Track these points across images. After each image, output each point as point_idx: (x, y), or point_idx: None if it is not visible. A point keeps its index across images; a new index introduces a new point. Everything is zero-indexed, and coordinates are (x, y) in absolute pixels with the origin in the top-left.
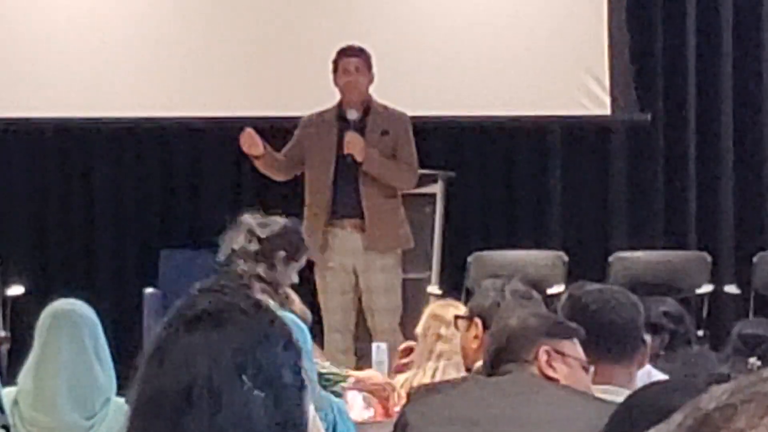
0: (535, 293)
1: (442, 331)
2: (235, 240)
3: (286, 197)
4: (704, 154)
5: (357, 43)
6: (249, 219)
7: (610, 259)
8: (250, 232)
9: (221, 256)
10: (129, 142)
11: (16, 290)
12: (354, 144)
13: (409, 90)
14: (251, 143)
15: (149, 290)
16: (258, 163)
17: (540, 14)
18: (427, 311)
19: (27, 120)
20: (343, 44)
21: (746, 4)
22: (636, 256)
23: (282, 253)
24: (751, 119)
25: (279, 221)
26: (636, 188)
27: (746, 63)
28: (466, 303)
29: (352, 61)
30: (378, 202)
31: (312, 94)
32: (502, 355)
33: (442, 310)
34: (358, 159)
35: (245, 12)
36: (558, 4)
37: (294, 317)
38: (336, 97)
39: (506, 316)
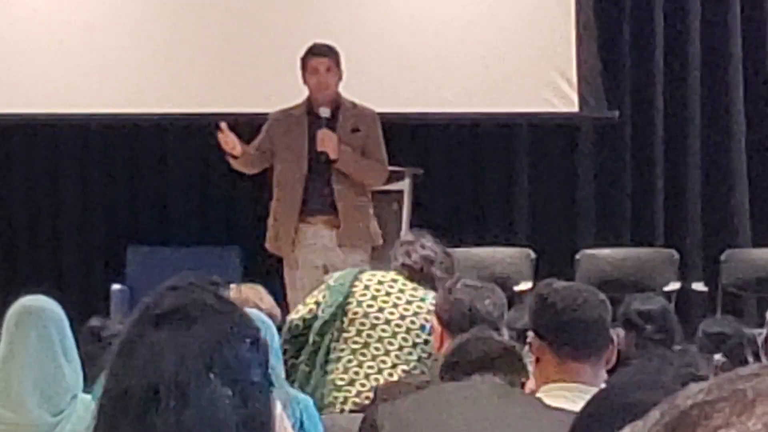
0: (488, 284)
1: None
2: None
3: (252, 193)
4: (671, 151)
5: (325, 41)
6: None
7: (578, 256)
8: None
9: None
10: (96, 138)
11: None
12: (327, 141)
13: (377, 86)
14: (231, 144)
15: (116, 286)
16: (233, 161)
17: (508, 12)
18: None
19: None
20: (311, 41)
21: (713, 2)
22: (604, 253)
23: None
24: (719, 117)
25: None
26: (603, 185)
27: (714, 60)
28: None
29: (321, 61)
30: (350, 199)
31: (279, 91)
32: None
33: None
34: (332, 156)
35: (213, 8)
36: (525, 2)
37: (261, 314)
38: (304, 93)
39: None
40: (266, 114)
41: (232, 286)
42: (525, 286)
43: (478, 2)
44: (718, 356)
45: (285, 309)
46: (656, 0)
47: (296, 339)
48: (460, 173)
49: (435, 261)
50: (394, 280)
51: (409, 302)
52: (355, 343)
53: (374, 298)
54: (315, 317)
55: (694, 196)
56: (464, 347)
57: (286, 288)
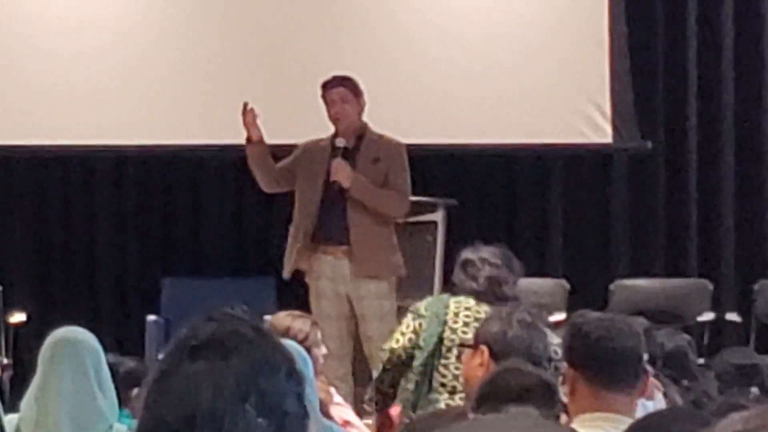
0: (540, 323)
1: None
2: None
3: (288, 225)
4: (705, 181)
5: (361, 73)
6: None
7: (612, 286)
8: None
9: None
10: (131, 169)
11: (18, 317)
12: (339, 170)
13: (410, 118)
14: (252, 123)
15: (151, 318)
16: (250, 153)
17: (541, 43)
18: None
19: (29, 147)
20: (343, 72)
21: (747, 31)
22: (637, 283)
23: None
24: (752, 147)
25: None
26: (637, 216)
27: (747, 91)
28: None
29: (336, 92)
30: (366, 229)
31: (310, 123)
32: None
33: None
34: (344, 185)
35: (247, 43)
36: (560, 33)
37: (296, 345)
38: (327, 124)
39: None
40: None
41: (282, 314)
42: (559, 316)
43: (512, 34)
44: (754, 389)
45: None
46: (689, 30)
47: (396, 367)
48: (494, 204)
49: (501, 280)
50: (478, 305)
51: None
52: (458, 368)
53: (466, 324)
54: (415, 346)
55: (728, 226)
56: (500, 378)
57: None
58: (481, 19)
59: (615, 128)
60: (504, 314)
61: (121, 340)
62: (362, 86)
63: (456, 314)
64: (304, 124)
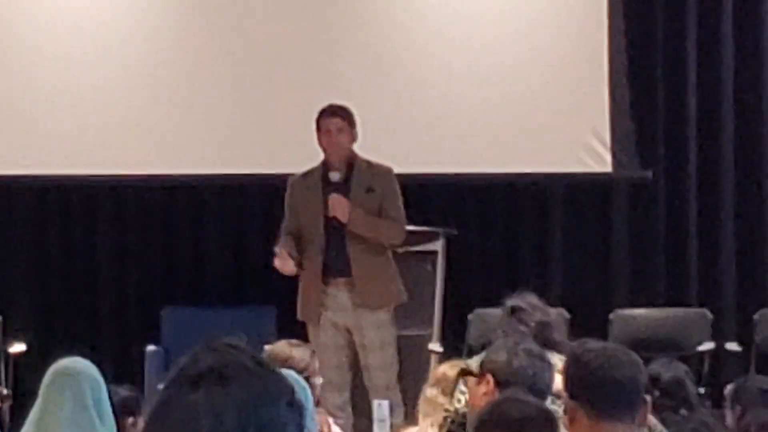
0: (546, 353)
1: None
2: None
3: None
4: (705, 211)
5: (357, 101)
6: None
7: (611, 316)
8: None
9: None
10: (131, 199)
11: (18, 347)
12: (337, 206)
13: (411, 147)
14: (287, 268)
15: (151, 348)
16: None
17: (542, 71)
18: (438, 372)
19: (29, 177)
20: (340, 100)
21: (747, 61)
22: (637, 313)
23: None
24: (752, 177)
25: None
26: (637, 245)
27: (747, 121)
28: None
29: (332, 122)
30: (366, 260)
31: (313, 152)
32: None
33: (451, 371)
34: (343, 220)
35: (246, 70)
36: (559, 62)
37: (296, 375)
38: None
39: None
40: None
41: (281, 343)
42: None
43: (512, 62)
44: None
45: None
46: (689, 59)
47: (461, 427)
48: (494, 233)
49: (552, 325)
50: None
51: None
52: None
53: None
54: None
55: (728, 255)
56: (499, 407)
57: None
58: (482, 49)
59: (615, 157)
60: (511, 344)
61: (121, 369)
62: (357, 117)
63: None
64: (302, 152)
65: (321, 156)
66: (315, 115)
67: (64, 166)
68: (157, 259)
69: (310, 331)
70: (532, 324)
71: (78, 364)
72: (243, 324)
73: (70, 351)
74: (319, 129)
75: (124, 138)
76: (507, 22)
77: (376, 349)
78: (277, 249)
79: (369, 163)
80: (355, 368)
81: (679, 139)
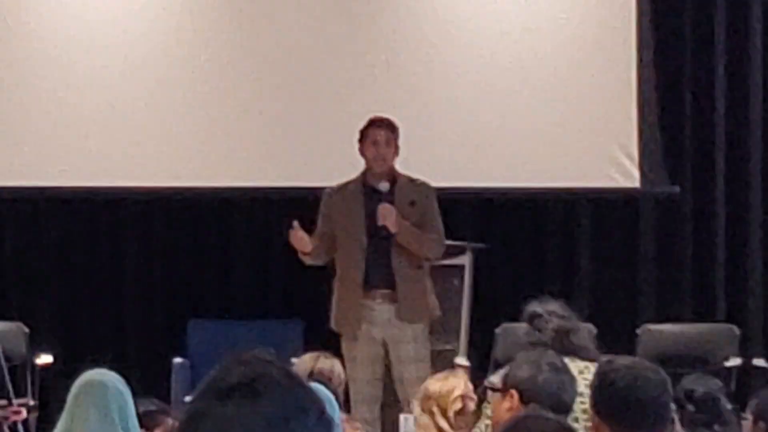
0: (569, 367)
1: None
2: None
3: (313, 268)
4: (733, 226)
5: (388, 114)
6: None
7: (639, 331)
8: None
9: None
10: (158, 211)
11: (45, 359)
12: (387, 215)
13: (438, 161)
14: (302, 242)
15: (177, 360)
16: (304, 257)
17: (569, 87)
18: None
19: (57, 189)
20: (370, 114)
21: None
22: (664, 328)
23: None
24: None
25: None
26: (664, 260)
27: None
28: (495, 374)
29: (381, 133)
30: (408, 272)
31: (340, 164)
32: None
33: (432, 387)
34: (392, 230)
35: (275, 83)
36: (588, 78)
37: (324, 389)
38: (357, 167)
39: None
40: (325, 187)
41: (309, 356)
42: None
43: (540, 78)
44: None
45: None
46: (717, 74)
47: None
48: (521, 248)
49: (569, 330)
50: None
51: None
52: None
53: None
54: None
55: (756, 271)
56: (520, 424)
57: (345, 362)
58: (510, 65)
59: (643, 173)
60: (534, 358)
61: (148, 382)
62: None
63: None
64: (329, 166)
65: (350, 169)
66: (345, 129)
67: (91, 179)
68: (183, 272)
69: (345, 343)
70: (549, 331)
71: (104, 376)
72: (270, 337)
73: (96, 363)
74: (364, 139)
75: (151, 150)
76: (535, 39)
77: (411, 362)
78: (295, 223)
79: (410, 178)
80: (385, 381)
81: (707, 154)
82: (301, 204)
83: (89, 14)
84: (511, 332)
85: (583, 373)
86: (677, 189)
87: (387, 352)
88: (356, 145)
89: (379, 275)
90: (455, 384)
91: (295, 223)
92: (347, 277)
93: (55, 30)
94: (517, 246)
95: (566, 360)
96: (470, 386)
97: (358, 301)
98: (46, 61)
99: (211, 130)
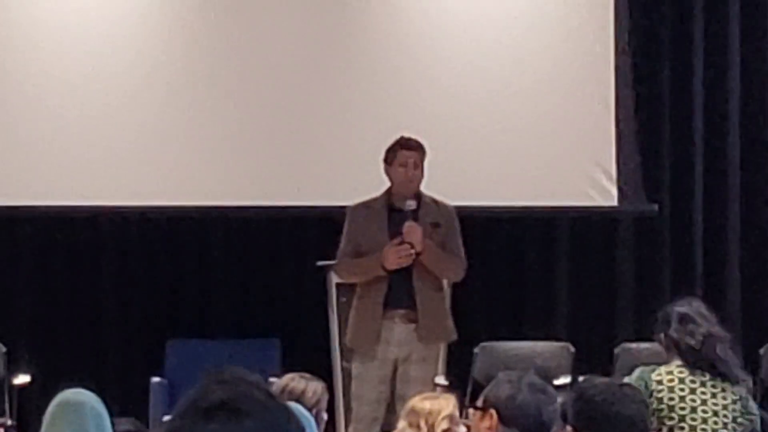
0: (550, 387)
1: (421, 424)
2: None
3: (292, 285)
4: (711, 245)
5: (347, 134)
6: None
7: (617, 350)
8: None
9: None
10: (137, 230)
11: (22, 378)
12: (414, 233)
13: None
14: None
15: (156, 379)
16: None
17: (548, 106)
18: (408, 406)
19: (34, 208)
20: (349, 133)
21: (754, 94)
22: (642, 347)
23: None
24: (759, 212)
25: None
26: (643, 279)
27: (754, 155)
28: (473, 393)
29: (413, 155)
30: (429, 293)
31: (308, 184)
32: None
33: (420, 404)
34: (418, 249)
35: (253, 102)
36: (566, 96)
37: (302, 409)
38: (338, 186)
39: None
40: (303, 207)
41: (295, 376)
42: (564, 380)
43: (518, 96)
44: None
45: (348, 402)
46: (696, 93)
47: None
48: (500, 267)
49: (719, 338)
50: (681, 374)
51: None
52: None
53: (671, 390)
54: None
55: (734, 290)
56: None
57: (352, 381)
58: (487, 83)
59: (621, 191)
60: (514, 377)
61: (126, 401)
62: None
63: (661, 400)
64: (308, 185)
65: (331, 189)
66: (327, 145)
67: (69, 198)
68: (162, 291)
69: (357, 361)
70: (698, 335)
71: (81, 395)
72: (248, 356)
73: (74, 382)
74: (394, 160)
75: (128, 169)
76: (512, 56)
77: (418, 382)
78: (386, 248)
79: (434, 199)
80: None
81: (686, 173)
82: (280, 223)
83: (62, 30)
84: (489, 351)
85: (715, 397)
86: (655, 207)
87: (395, 372)
88: (334, 164)
89: (400, 295)
90: (444, 404)
91: (386, 248)
92: (368, 296)
93: (26, 48)
94: (495, 265)
95: (699, 380)
96: (456, 412)
97: (378, 321)
98: (19, 80)
99: (189, 149)
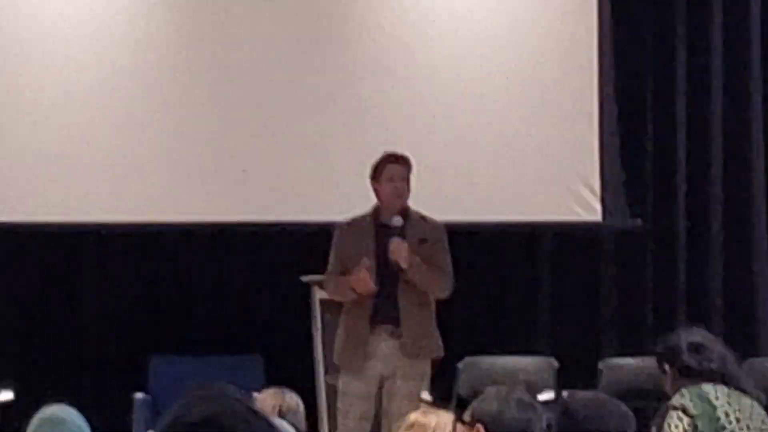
0: (538, 404)
1: None
2: None
3: (274, 302)
4: (694, 260)
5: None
6: None
7: (600, 365)
8: None
9: None
10: (119, 246)
11: (5, 396)
12: (399, 250)
13: None
14: (368, 286)
15: (139, 395)
16: (350, 294)
17: (531, 120)
18: (410, 419)
19: (12, 224)
20: (321, 148)
21: (736, 110)
22: (626, 362)
23: None
24: (741, 227)
25: None
26: (626, 294)
27: (736, 169)
28: (457, 408)
29: (399, 169)
30: (414, 309)
31: (290, 201)
32: None
33: (424, 419)
34: (403, 265)
35: (233, 117)
36: (549, 111)
37: (286, 424)
38: (316, 202)
39: None
40: (287, 222)
41: (271, 391)
42: (547, 395)
43: (501, 111)
44: None
45: (332, 418)
46: (678, 108)
47: None
48: (483, 282)
49: (731, 358)
50: (732, 394)
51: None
52: None
53: (738, 420)
54: None
55: (717, 305)
56: None
57: (338, 396)
58: (470, 97)
59: (604, 206)
60: (502, 393)
61: (108, 417)
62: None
63: (727, 414)
64: (290, 200)
65: (312, 203)
66: (302, 161)
67: (50, 214)
68: (145, 308)
69: (344, 378)
70: (717, 359)
71: (63, 412)
72: (231, 372)
73: (56, 399)
74: (380, 175)
75: (109, 185)
76: (496, 71)
77: (404, 398)
78: (357, 269)
79: (422, 216)
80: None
81: (669, 188)
82: (262, 239)
83: (30, 47)
84: (473, 366)
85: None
86: (639, 222)
87: (381, 388)
88: (318, 180)
89: (385, 310)
90: (447, 419)
91: (364, 260)
92: (354, 312)
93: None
94: (478, 280)
95: (732, 393)
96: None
97: (364, 337)
98: None
99: (172, 165)
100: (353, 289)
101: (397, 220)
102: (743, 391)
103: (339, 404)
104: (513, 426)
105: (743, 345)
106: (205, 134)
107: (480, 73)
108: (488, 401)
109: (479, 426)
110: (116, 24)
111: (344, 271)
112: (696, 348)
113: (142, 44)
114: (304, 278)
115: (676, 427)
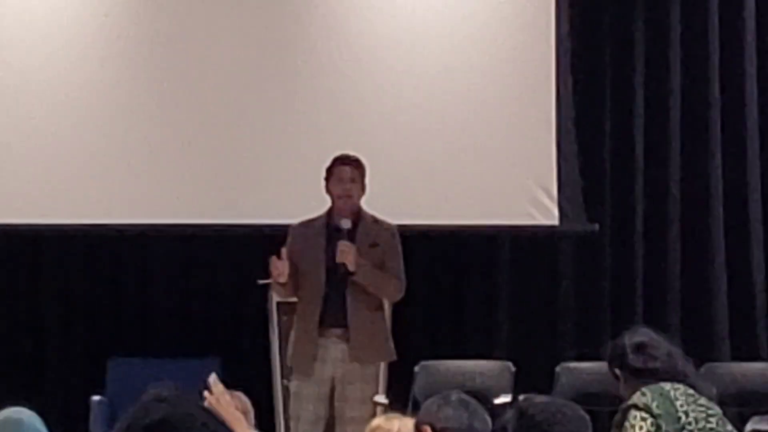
0: (477, 403)
1: None
2: None
3: (233, 304)
4: (651, 264)
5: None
6: None
7: (557, 369)
8: None
9: None
10: (78, 248)
11: None
12: (346, 253)
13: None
14: (280, 271)
15: (96, 398)
16: (278, 288)
17: (488, 124)
18: (373, 424)
19: None
20: (292, 154)
21: (695, 114)
22: (583, 366)
23: None
24: (698, 231)
25: None
26: (583, 298)
27: (694, 174)
28: (414, 411)
29: (347, 170)
30: (363, 313)
31: (273, 202)
32: None
33: (388, 423)
34: (351, 268)
35: (197, 118)
36: (506, 114)
37: None
38: (289, 206)
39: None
40: (244, 225)
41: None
42: (504, 399)
43: (458, 114)
44: None
45: (287, 422)
46: (636, 113)
47: None
48: (440, 285)
49: (679, 354)
50: (690, 392)
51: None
52: None
53: (697, 420)
54: None
55: (674, 309)
56: None
57: (291, 399)
58: (428, 101)
59: (562, 210)
60: (444, 395)
61: (66, 419)
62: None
63: (687, 414)
64: (252, 202)
65: (272, 207)
66: (266, 164)
67: (8, 215)
68: (103, 310)
69: (296, 380)
70: (663, 356)
71: (21, 414)
72: (188, 375)
73: (13, 401)
74: (330, 176)
75: (69, 187)
76: (453, 75)
77: (357, 403)
78: (284, 250)
79: (375, 219)
80: (328, 422)
81: (626, 192)
82: (222, 241)
83: (20, 43)
84: (429, 370)
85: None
86: (596, 226)
87: (333, 391)
88: (274, 183)
89: (334, 313)
90: (410, 426)
91: (283, 250)
92: (305, 315)
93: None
94: (435, 283)
95: (689, 392)
96: None
97: (314, 340)
98: None
99: (129, 167)
100: (276, 281)
101: (345, 223)
102: (694, 387)
103: (291, 407)
104: (457, 421)
105: (701, 347)
106: (163, 137)
107: (437, 78)
108: (431, 404)
109: (426, 428)
110: (78, 33)
111: (296, 272)
112: (639, 347)
113: (96, 50)
114: (261, 281)
115: (640, 428)
